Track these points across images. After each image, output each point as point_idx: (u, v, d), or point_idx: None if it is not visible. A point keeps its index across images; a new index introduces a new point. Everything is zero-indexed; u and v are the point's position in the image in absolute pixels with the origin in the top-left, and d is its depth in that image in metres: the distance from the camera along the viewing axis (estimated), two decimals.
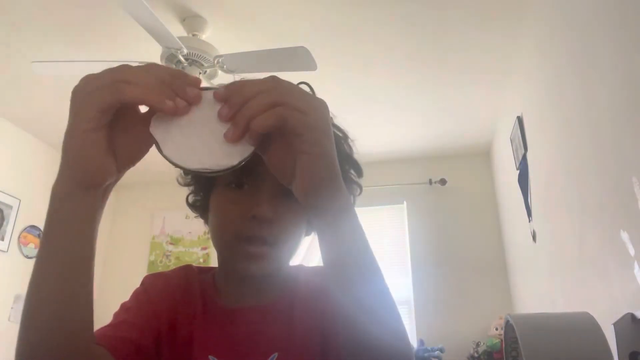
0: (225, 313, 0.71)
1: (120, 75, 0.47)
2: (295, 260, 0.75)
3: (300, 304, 0.71)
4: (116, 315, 0.70)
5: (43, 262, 0.51)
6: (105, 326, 0.67)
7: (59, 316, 0.51)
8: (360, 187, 0.75)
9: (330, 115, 0.65)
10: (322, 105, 0.50)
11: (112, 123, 0.49)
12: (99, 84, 0.47)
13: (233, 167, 0.49)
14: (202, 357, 0.67)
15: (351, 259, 0.53)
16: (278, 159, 0.52)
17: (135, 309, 0.70)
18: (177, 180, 0.77)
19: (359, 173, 0.75)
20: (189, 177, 0.75)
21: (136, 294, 0.73)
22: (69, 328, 0.52)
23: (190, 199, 0.77)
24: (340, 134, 0.73)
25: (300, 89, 0.51)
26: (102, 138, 0.48)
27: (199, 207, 0.76)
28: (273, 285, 0.73)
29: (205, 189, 0.73)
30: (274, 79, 0.50)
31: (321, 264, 0.56)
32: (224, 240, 0.69)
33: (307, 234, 0.75)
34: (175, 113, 0.49)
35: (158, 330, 0.68)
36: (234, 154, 0.49)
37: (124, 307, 0.71)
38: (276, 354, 0.67)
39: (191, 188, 0.77)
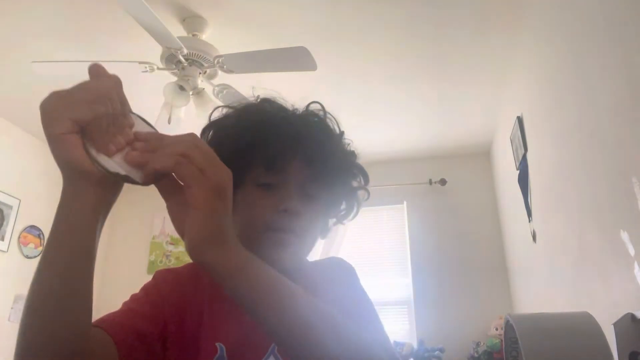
0: (232, 301, 0.72)
1: (182, 149, 0.52)
2: None
3: None
4: (123, 304, 0.72)
5: (48, 252, 0.54)
6: (109, 313, 0.69)
7: (61, 306, 0.54)
8: (368, 192, 0.82)
9: (342, 130, 0.77)
10: (225, 174, 0.53)
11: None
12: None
13: (118, 176, 0.54)
14: (209, 344, 0.69)
15: (257, 310, 0.54)
16: (177, 211, 0.55)
17: (143, 298, 0.72)
18: None
19: (365, 179, 0.82)
20: None
21: (146, 287, 0.75)
22: (70, 316, 0.55)
23: None
24: (348, 145, 0.80)
25: (213, 153, 0.54)
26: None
27: None
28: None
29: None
30: (194, 136, 0.54)
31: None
32: (253, 231, 0.72)
33: (322, 237, 0.81)
34: None
35: (165, 322, 0.70)
36: (128, 171, 0.54)
37: (132, 297, 0.73)
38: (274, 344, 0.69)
39: None
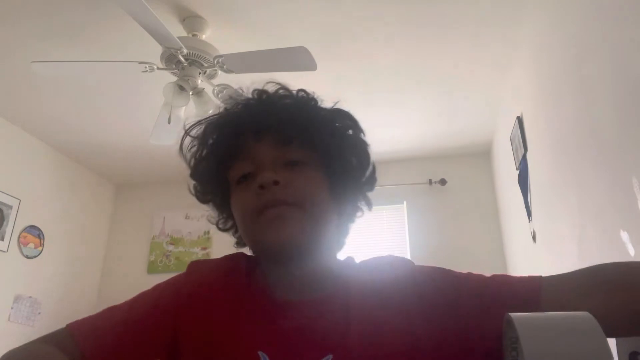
0: (275, 306, 0.68)
1: None
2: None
3: (357, 301, 0.67)
4: (132, 303, 0.71)
5: None
6: (92, 317, 0.69)
7: None
8: (363, 135, 0.81)
9: (315, 97, 0.74)
10: None
11: None
12: None
13: None
14: (250, 352, 0.63)
15: None
16: None
17: (152, 302, 0.70)
18: (191, 191, 0.78)
19: (357, 126, 0.81)
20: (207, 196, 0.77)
21: (175, 280, 0.74)
22: None
23: (218, 220, 0.79)
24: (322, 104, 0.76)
25: None
26: None
27: (221, 207, 0.77)
28: (323, 277, 0.70)
29: (223, 195, 0.74)
30: None
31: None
32: (249, 224, 0.68)
33: (339, 219, 0.75)
34: None
35: (174, 328, 0.68)
36: None
37: (145, 295, 0.72)
38: (330, 356, 0.61)
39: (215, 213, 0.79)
